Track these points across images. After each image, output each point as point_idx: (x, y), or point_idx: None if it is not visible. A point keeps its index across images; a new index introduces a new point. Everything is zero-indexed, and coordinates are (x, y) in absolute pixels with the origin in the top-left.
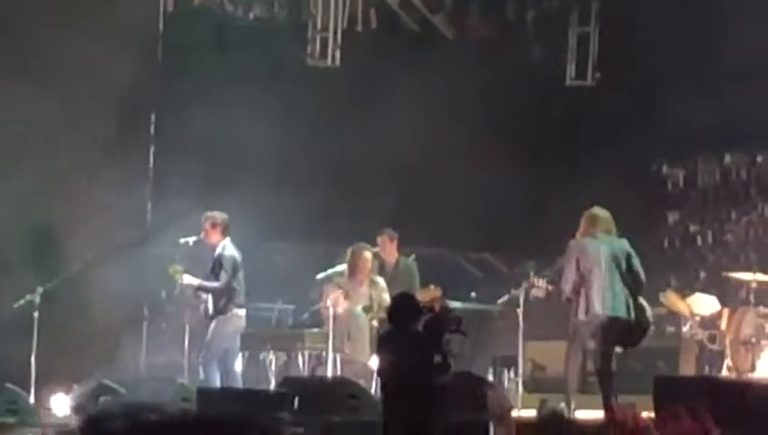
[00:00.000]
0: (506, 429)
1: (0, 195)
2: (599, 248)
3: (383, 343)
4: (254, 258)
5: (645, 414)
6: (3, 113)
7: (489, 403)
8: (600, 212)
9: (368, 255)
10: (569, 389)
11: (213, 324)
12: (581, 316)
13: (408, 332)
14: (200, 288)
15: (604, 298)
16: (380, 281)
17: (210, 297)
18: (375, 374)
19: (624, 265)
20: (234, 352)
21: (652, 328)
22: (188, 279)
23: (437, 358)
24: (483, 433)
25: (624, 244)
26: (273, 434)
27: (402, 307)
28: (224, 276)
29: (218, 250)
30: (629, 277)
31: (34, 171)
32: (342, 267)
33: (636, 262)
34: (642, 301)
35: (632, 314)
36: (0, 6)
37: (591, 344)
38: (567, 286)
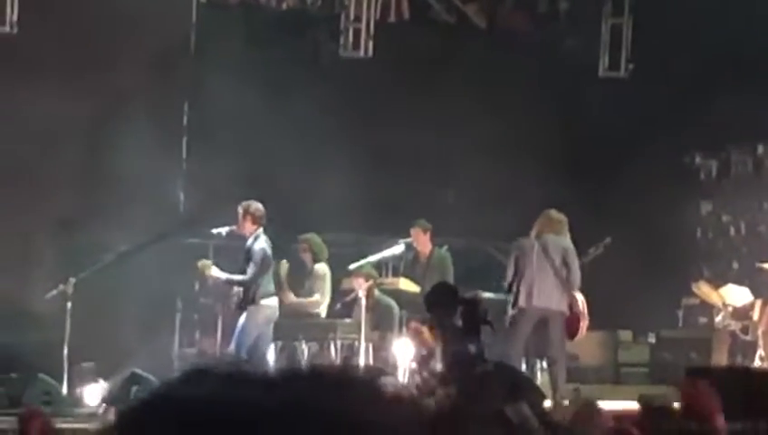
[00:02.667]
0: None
1: (33, 186)
2: (533, 246)
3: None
4: (287, 249)
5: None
6: (35, 107)
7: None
8: (555, 215)
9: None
10: None
11: (243, 314)
12: (510, 310)
13: (445, 322)
14: (228, 282)
15: (531, 292)
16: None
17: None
18: (403, 362)
19: (558, 261)
20: (265, 342)
21: (586, 320)
22: (216, 273)
23: (473, 347)
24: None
25: (563, 241)
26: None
27: (441, 297)
28: (250, 270)
29: (249, 242)
30: (563, 273)
31: (68, 163)
32: (374, 258)
33: (572, 258)
34: (577, 294)
35: (563, 307)
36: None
37: (528, 334)
38: (509, 282)
